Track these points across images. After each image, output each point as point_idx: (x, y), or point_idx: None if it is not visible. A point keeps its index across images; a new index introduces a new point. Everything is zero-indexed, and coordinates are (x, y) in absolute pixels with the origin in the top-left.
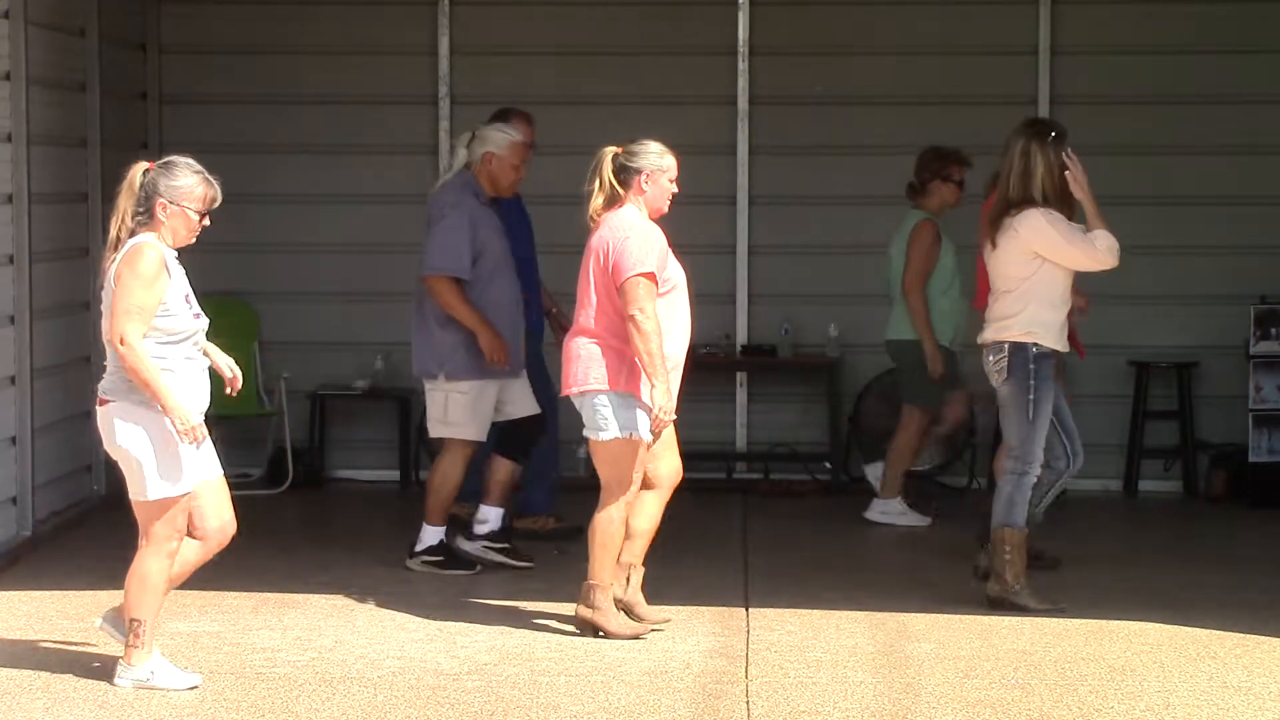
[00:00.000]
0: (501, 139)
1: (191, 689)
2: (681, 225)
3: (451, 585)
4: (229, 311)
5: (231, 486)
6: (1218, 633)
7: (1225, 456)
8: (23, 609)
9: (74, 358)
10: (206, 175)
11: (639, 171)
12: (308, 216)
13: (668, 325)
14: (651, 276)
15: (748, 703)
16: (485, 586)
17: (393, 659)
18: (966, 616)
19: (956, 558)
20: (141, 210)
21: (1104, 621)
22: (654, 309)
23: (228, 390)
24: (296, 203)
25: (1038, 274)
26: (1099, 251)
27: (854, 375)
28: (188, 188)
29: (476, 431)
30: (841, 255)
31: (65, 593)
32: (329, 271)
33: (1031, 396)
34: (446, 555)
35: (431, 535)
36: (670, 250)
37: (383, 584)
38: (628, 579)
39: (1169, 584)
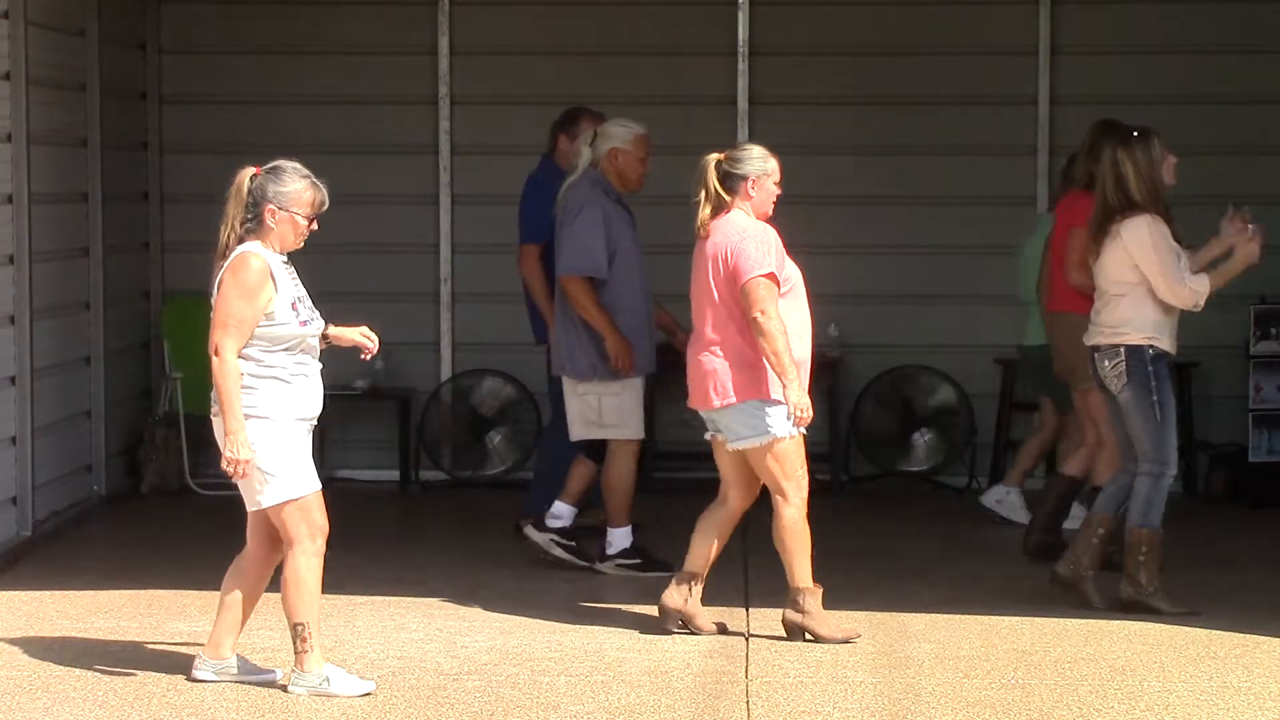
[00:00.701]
0: (625, 133)
1: (366, 695)
2: (682, 225)
3: (451, 586)
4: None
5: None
6: (1218, 633)
7: (1225, 456)
8: (23, 609)
9: (74, 358)
10: (314, 179)
11: (745, 177)
12: None
13: (792, 324)
14: (772, 277)
15: (748, 703)
16: (485, 588)
17: (393, 659)
18: (966, 616)
19: (957, 558)
20: (250, 216)
21: (1104, 621)
22: (776, 309)
23: (363, 356)
24: None
25: (1140, 280)
26: (1183, 287)
27: (854, 375)
28: (296, 193)
29: (635, 430)
30: (842, 255)
31: (65, 593)
32: (329, 271)
33: (1155, 398)
34: (642, 557)
35: (621, 538)
36: (785, 250)
37: (383, 584)
38: (690, 589)
39: (1169, 584)
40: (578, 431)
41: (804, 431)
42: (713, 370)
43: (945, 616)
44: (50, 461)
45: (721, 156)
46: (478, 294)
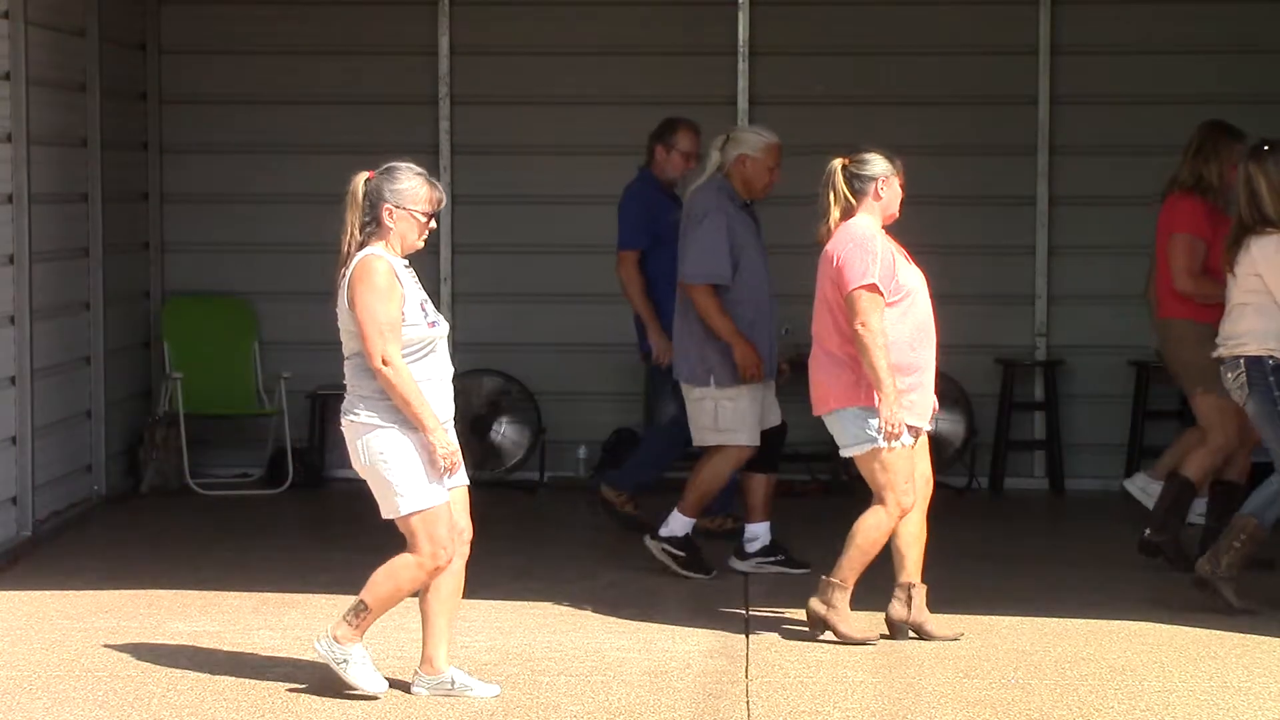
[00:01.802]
0: (756, 141)
1: (494, 696)
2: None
3: None
4: (229, 311)
5: (231, 486)
6: (1218, 633)
7: None
8: (23, 609)
9: (74, 358)
10: (429, 177)
11: (874, 179)
12: (308, 216)
13: (905, 332)
14: (873, 288)
15: (748, 703)
16: (485, 587)
17: (393, 659)
18: (966, 617)
19: (956, 557)
20: (369, 220)
21: (1104, 621)
22: (878, 321)
23: None
24: (296, 203)
25: (1265, 291)
26: None
27: None
28: (412, 190)
29: (749, 437)
30: None
31: (65, 593)
32: (329, 271)
33: (1279, 408)
34: (689, 552)
35: (680, 525)
36: (905, 255)
37: None
38: (909, 598)
39: (1169, 584)
40: (703, 438)
41: (909, 442)
42: (822, 378)
43: (945, 617)
44: (50, 461)
45: (846, 161)
46: (478, 294)
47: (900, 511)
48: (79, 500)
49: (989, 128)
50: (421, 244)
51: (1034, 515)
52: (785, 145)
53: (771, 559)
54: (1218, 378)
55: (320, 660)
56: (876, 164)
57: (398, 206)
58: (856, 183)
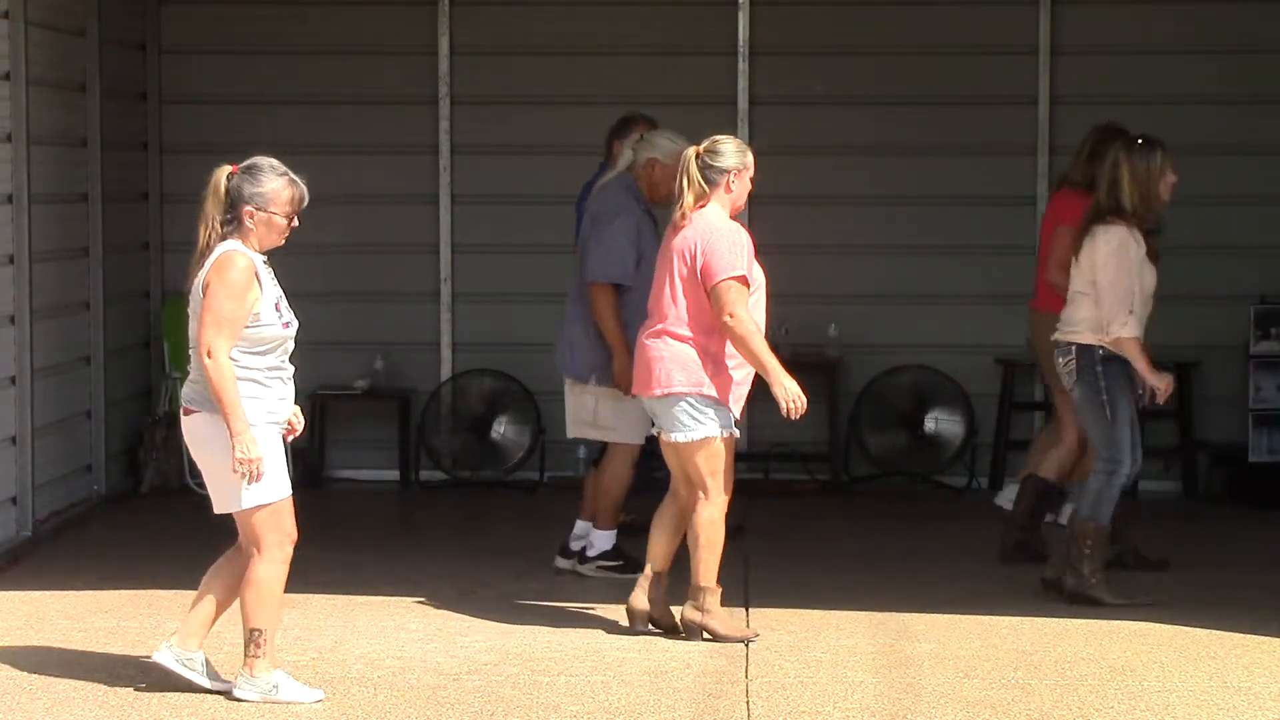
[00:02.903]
0: (669, 147)
1: (317, 702)
2: None
3: (451, 586)
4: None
5: None
6: (1218, 633)
7: (1225, 456)
8: (23, 609)
9: (74, 358)
10: (292, 176)
11: (726, 171)
12: (308, 216)
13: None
14: (743, 279)
15: (748, 703)
16: (485, 588)
17: (393, 659)
18: (966, 616)
19: (957, 557)
20: (229, 217)
21: (1104, 621)
22: (745, 311)
23: (287, 438)
24: None
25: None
26: (1119, 318)
27: (854, 375)
28: (274, 192)
29: (633, 435)
30: (841, 255)
31: (65, 593)
32: (329, 271)
33: (1104, 397)
34: (624, 560)
35: (604, 540)
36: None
37: (383, 584)
38: (656, 588)
39: (1169, 584)
40: (572, 429)
41: (735, 433)
42: (659, 358)
43: (945, 616)
44: (50, 461)
45: (700, 149)
46: (478, 294)
47: (724, 500)
48: (79, 500)
49: (989, 128)
50: (282, 242)
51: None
52: (785, 145)
53: (610, 564)
54: None
55: (268, 701)
56: (729, 156)
57: (259, 209)
58: (709, 173)
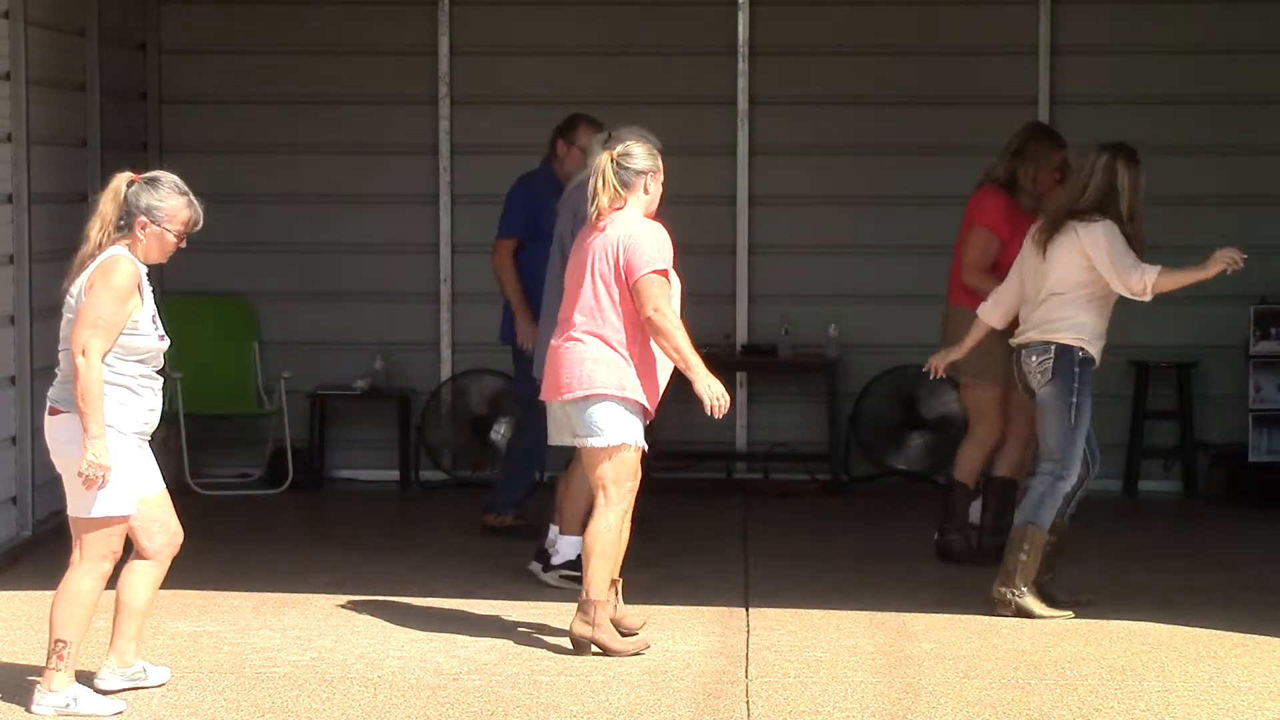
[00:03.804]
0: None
1: (117, 715)
2: (681, 225)
3: (451, 586)
4: (229, 311)
5: (231, 486)
6: (1218, 633)
7: (1225, 456)
8: (23, 609)
9: None
10: (191, 197)
11: (641, 174)
12: (308, 216)
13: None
14: (664, 274)
15: (748, 703)
16: (485, 588)
17: (393, 659)
18: (966, 616)
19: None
20: (123, 223)
21: (1104, 621)
22: (668, 305)
23: None
24: (296, 203)
25: (1096, 281)
26: (1135, 273)
27: (854, 375)
28: (172, 210)
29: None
30: (841, 255)
31: None
32: (329, 271)
33: (1074, 400)
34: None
35: (570, 548)
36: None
37: (383, 584)
38: (618, 593)
39: (1169, 584)
40: (554, 437)
41: (644, 446)
42: (578, 360)
43: (945, 616)
44: (50, 462)
45: (614, 154)
46: (478, 294)
47: (625, 509)
48: None
49: (989, 127)
50: (164, 260)
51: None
52: (786, 145)
53: (573, 574)
54: (992, 370)
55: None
56: (642, 159)
57: (153, 222)
58: (624, 174)
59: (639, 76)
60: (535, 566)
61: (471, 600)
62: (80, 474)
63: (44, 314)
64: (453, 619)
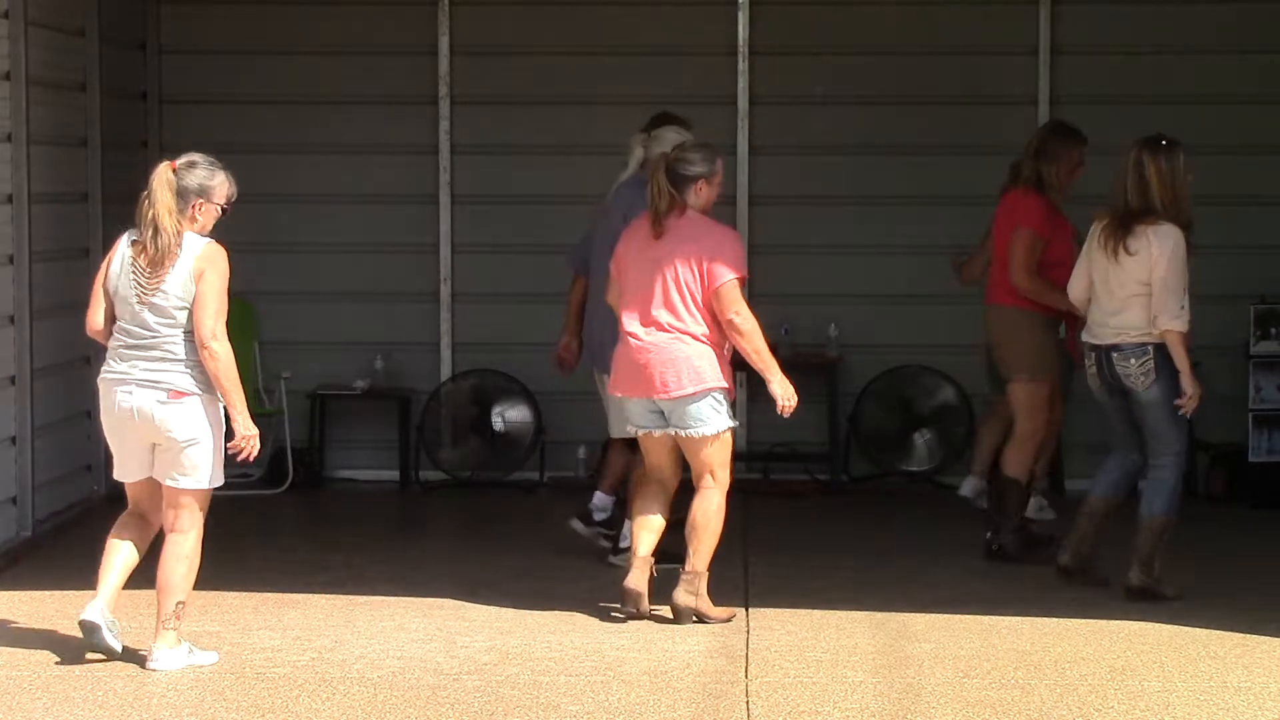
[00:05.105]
0: (676, 140)
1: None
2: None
3: (451, 586)
4: (229, 311)
5: (231, 486)
6: (1218, 633)
7: (1225, 456)
8: (23, 609)
9: (74, 358)
10: (226, 170)
11: (695, 178)
12: (308, 216)
13: None
14: (743, 280)
15: (748, 703)
16: (485, 588)
17: (393, 659)
18: (966, 616)
19: (957, 557)
20: (181, 209)
21: (1104, 621)
22: (747, 309)
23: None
24: (296, 203)
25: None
26: (1179, 316)
27: (854, 375)
28: (220, 185)
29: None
30: (841, 255)
31: (65, 593)
32: (329, 271)
33: (1176, 397)
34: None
35: (605, 504)
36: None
37: (383, 584)
38: (652, 574)
39: (1169, 584)
40: (616, 430)
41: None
42: (681, 359)
43: (945, 616)
44: (50, 461)
45: (672, 157)
46: (478, 294)
47: (728, 486)
48: (79, 500)
49: (989, 128)
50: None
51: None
52: (786, 145)
53: (608, 532)
54: (1037, 366)
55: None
56: (697, 165)
57: (208, 200)
58: (679, 181)
59: (639, 76)
60: (576, 524)
61: (471, 600)
62: (231, 447)
63: (44, 314)
64: (453, 619)
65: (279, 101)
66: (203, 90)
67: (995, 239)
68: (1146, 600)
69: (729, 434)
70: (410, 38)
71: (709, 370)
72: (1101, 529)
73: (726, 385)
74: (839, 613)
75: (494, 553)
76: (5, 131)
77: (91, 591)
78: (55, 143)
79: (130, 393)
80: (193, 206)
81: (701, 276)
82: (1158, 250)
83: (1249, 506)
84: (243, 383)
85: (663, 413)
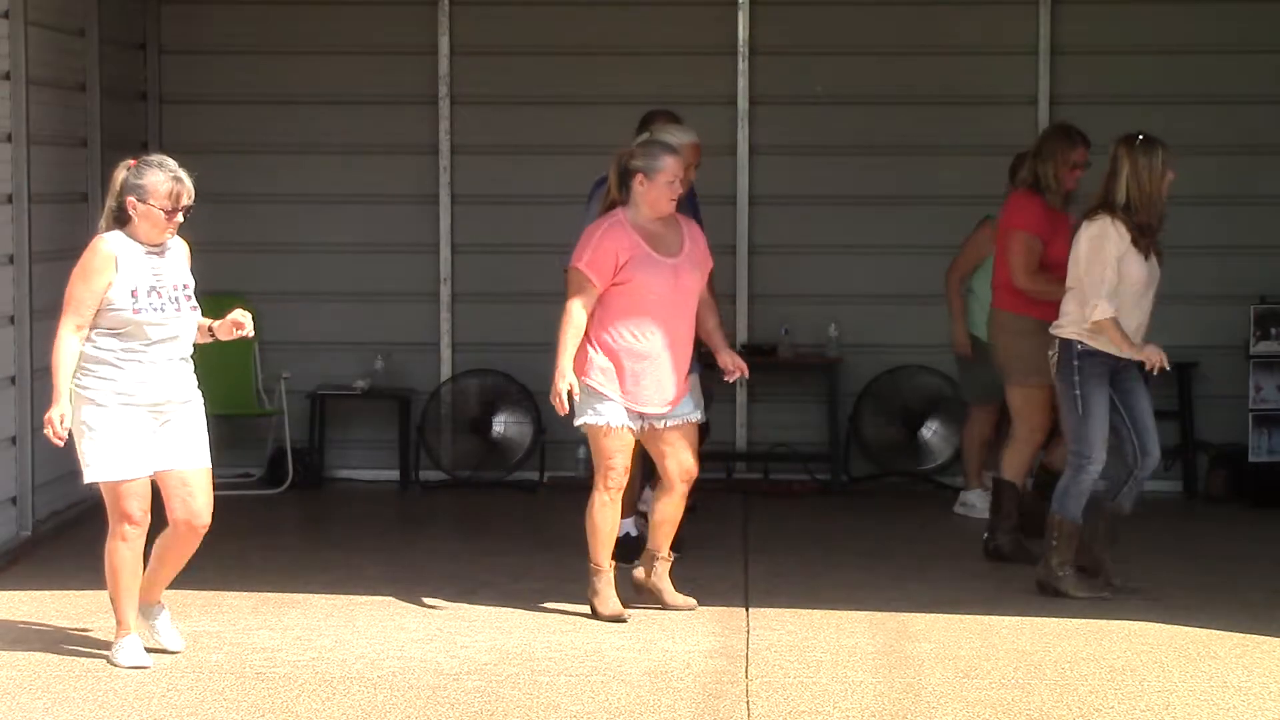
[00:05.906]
0: (681, 136)
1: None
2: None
3: (450, 585)
4: (229, 311)
5: (231, 486)
6: (1218, 633)
7: (1225, 456)
8: (23, 609)
9: None
10: (178, 174)
11: (633, 172)
12: (308, 216)
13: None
14: (586, 273)
15: (748, 703)
16: (485, 587)
17: (393, 659)
18: (966, 616)
19: (957, 557)
20: (116, 207)
21: (1104, 621)
22: (573, 302)
23: (240, 332)
24: (296, 203)
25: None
26: (1091, 298)
27: (854, 375)
28: (151, 185)
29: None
30: (841, 255)
31: (65, 593)
32: (329, 271)
33: (1077, 392)
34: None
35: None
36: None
37: (383, 584)
38: (653, 567)
39: (1169, 584)
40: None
41: (612, 425)
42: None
43: (945, 616)
44: (50, 461)
45: (626, 152)
46: (478, 294)
47: (609, 488)
48: (79, 500)
49: (989, 127)
50: (169, 234)
51: (1035, 515)
52: (786, 145)
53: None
54: (1030, 370)
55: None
56: (637, 159)
57: (139, 200)
58: (623, 175)
59: (639, 76)
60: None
61: (471, 600)
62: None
63: (44, 314)
64: (453, 619)
65: (279, 101)
66: (203, 90)
67: (997, 244)
68: (1049, 593)
69: (596, 430)
70: (410, 38)
71: (579, 364)
72: (1105, 530)
73: (587, 376)
74: (839, 613)
75: (494, 553)
76: (5, 131)
77: (91, 592)
78: (55, 143)
79: None
80: (127, 205)
81: (701, 269)
82: (1081, 244)
83: (1249, 506)
84: (242, 383)
85: None
